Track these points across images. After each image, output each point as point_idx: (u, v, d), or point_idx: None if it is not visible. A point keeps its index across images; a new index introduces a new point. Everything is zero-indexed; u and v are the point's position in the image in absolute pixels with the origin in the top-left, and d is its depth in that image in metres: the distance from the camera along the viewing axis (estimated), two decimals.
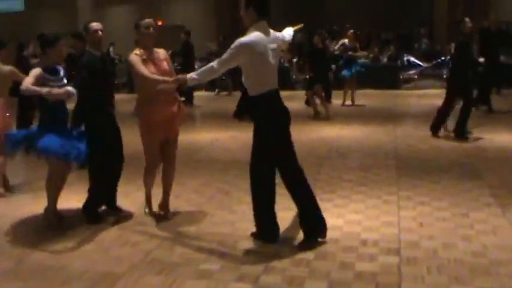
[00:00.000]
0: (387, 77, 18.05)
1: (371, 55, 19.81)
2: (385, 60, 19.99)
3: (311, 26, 15.68)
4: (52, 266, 4.63)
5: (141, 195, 6.10)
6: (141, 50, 5.42)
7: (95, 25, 5.60)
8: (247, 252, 4.77)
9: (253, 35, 4.66)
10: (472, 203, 5.91)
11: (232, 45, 4.69)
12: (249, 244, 4.94)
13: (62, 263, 4.68)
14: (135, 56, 5.35)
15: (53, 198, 5.62)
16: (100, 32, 5.61)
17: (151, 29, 5.45)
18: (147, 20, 5.46)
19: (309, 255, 4.65)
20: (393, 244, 4.84)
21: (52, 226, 5.54)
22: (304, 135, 10.06)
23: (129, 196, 6.45)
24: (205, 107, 15.23)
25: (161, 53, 5.60)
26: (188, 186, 6.98)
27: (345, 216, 5.62)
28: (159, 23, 26.13)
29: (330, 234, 5.08)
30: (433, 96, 16.01)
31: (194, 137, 10.27)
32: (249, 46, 4.62)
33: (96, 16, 26.60)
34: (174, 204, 6.20)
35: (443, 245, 4.77)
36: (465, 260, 4.47)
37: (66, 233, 5.38)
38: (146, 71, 5.26)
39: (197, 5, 26.07)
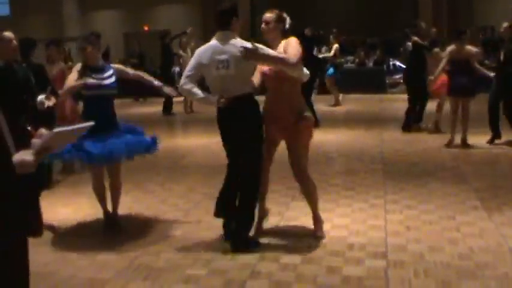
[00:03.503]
0: (373, 81, 18.15)
1: (356, 59, 19.88)
2: (371, 64, 20.08)
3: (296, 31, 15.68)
4: (37, 273, 4.55)
5: (126, 201, 6.05)
6: None
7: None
8: (234, 257, 4.75)
9: (205, 45, 4.99)
10: (458, 206, 5.93)
11: None
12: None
13: (48, 269, 4.63)
14: None
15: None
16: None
17: (263, 24, 5.00)
18: (266, 14, 4.99)
19: (295, 259, 4.63)
20: (380, 248, 4.84)
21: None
22: None
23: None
24: (192, 113, 15.18)
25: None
26: (175, 191, 6.96)
27: (332, 220, 5.61)
28: (145, 28, 26.16)
29: (316, 238, 5.08)
30: None
31: (181, 143, 10.25)
32: (197, 54, 4.97)
33: (81, 22, 26.58)
34: (160, 209, 6.18)
35: (430, 248, 4.78)
36: (452, 263, 4.48)
37: (51, 240, 5.34)
38: None
39: (182, 9, 26.03)
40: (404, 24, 11.68)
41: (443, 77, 9.62)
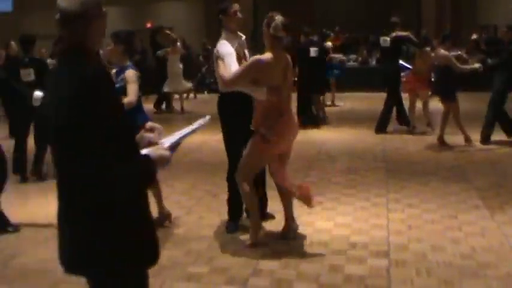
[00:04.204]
0: (376, 80, 18.09)
1: (359, 58, 19.83)
2: (373, 63, 20.03)
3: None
4: (38, 270, 4.58)
5: None
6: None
7: None
8: (236, 254, 4.75)
9: None
10: (460, 205, 5.92)
11: None
12: (237, 247, 4.92)
13: (48, 266, 4.61)
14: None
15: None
16: None
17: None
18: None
19: (297, 257, 4.63)
20: (382, 247, 4.83)
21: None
22: None
23: None
24: (193, 109, 15.16)
25: None
26: (177, 188, 6.95)
27: (334, 218, 5.61)
28: (148, 25, 26.13)
29: (318, 236, 5.08)
30: None
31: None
32: None
33: None
34: None
35: (432, 248, 4.77)
36: (454, 262, 4.47)
37: (51, 237, 5.33)
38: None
39: (185, 6, 26.00)
40: (407, 24, 11.65)
41: (418, 77, 10.39)
